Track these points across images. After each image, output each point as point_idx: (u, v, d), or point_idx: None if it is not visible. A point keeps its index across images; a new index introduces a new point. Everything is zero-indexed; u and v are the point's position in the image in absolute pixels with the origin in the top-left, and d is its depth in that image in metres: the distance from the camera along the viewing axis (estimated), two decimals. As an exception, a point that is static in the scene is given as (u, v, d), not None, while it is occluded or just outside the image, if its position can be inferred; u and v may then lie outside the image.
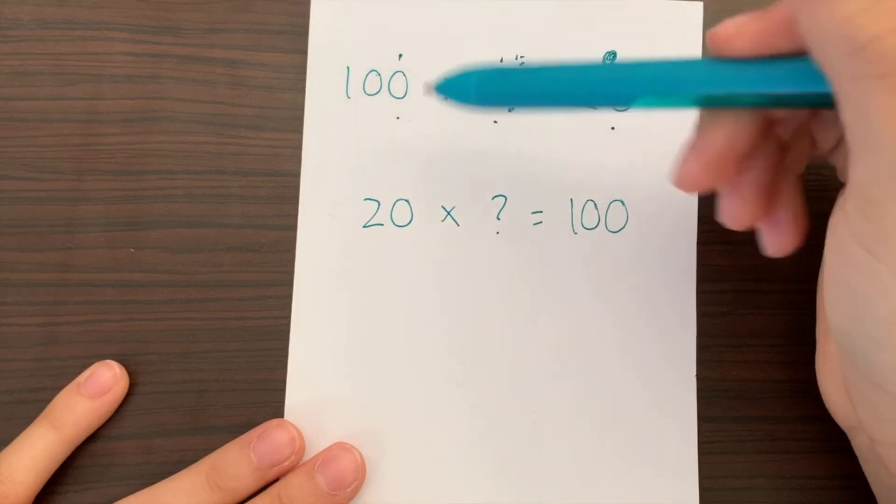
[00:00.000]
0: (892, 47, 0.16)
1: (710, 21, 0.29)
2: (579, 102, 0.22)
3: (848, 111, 0.17)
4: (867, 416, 0.21)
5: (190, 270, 0.28)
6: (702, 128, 0.21)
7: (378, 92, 0.29)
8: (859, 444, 0.24)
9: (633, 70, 0.21)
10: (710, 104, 0.20)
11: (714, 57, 0.20)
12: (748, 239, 0.28)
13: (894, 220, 0.16)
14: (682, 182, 0.21)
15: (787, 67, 0.19)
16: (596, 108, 0.22)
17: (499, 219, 0.28)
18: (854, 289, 0.18)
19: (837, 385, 0.24)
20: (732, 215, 0.22)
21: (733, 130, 0.20)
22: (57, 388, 0.27)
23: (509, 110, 0.24)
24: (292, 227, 0.28)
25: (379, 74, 0.29)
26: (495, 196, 0.28)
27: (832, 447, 0.27)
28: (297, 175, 0.29)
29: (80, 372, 0.27)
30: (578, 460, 0.27)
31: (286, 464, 0.26)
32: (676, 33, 0.28)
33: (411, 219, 0.28)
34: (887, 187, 0.16)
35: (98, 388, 0.27)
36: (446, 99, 0.24)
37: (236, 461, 0.26)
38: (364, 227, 0.28)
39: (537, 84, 0.22)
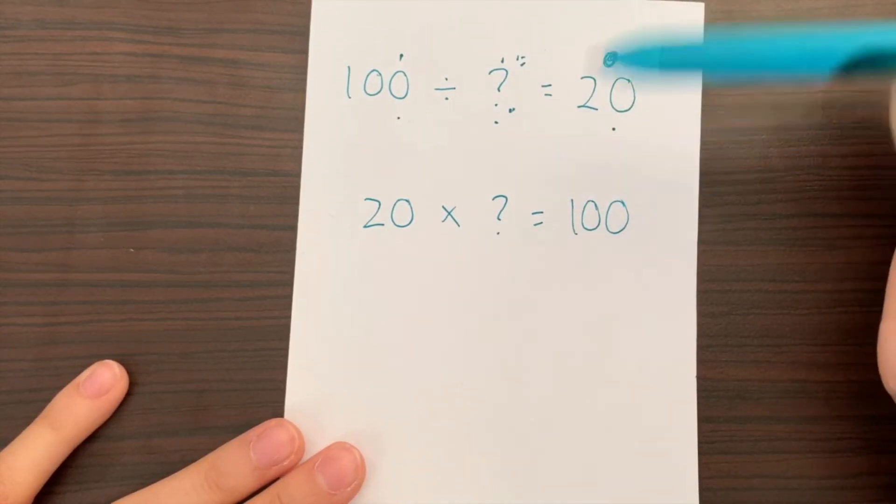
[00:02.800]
0: None
1: (710, 21, 0.29)
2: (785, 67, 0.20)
3: None
4: None
5: (190, 270, 0.28)
6: None
7: (379, 92, 0.29)
8: None
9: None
10: None
11: None
12: (748, 239, 0.28)
13: None
14: None
15: None
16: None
17: (499, 219, 0.28)
18: None
19: None
20: None
21: None
22: (57, 388, 0.27)
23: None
24: (292, 227, 0.28)
25: (380, 74, 0.29)
26: (496, 196, 0.28)
27: (832, 447, 0.27)
28: (298, 175, 0.29)
29: (79, 372, 0.27)
30: (578, 460, 0.27)
31: (285, 463, 0.26)
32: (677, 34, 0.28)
33: (412, 219, 0.28)
34: None
35: (98, 389, 0.27)
36: (629, 66, 0.23)
37: (236, 460, 0.26)
38: (364, 227, 0.28)
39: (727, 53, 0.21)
